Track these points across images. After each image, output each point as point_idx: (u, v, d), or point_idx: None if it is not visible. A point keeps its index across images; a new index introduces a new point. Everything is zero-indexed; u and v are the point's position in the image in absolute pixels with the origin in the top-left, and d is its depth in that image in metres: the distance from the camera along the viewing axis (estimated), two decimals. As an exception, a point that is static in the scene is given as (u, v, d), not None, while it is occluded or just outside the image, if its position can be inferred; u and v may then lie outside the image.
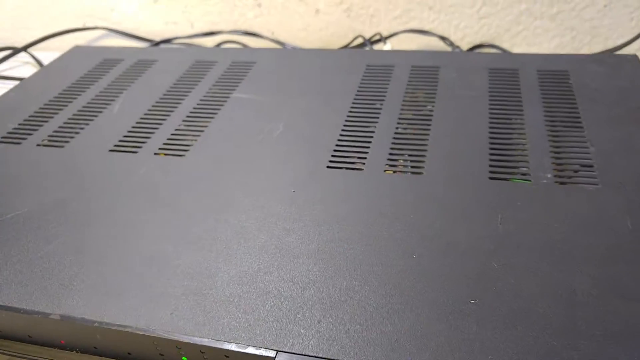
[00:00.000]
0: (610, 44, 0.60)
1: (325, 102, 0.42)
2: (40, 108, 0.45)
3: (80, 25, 0.73)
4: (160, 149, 0.38)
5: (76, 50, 0.56)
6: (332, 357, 0.22)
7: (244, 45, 0.67)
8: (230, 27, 0.69)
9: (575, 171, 0.34)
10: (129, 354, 0.26)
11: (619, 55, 0.47)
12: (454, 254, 0.27)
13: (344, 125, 0.39)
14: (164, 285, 0.27)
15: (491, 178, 0.33)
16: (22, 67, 0.69)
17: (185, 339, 0.24)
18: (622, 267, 0.26)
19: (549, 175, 0.33)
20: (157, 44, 0.67)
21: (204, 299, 0.26)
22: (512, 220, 0.29)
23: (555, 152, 0.35)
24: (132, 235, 0.30)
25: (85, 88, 0.48)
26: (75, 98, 0.46)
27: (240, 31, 0.66)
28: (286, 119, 0.40)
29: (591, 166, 0.33)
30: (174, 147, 0.38)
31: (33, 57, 0.67)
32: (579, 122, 0.38)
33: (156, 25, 0.71)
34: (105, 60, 0.53)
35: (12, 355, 0.28)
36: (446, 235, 0.28)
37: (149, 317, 0.25)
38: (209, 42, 0.68)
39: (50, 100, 0.46)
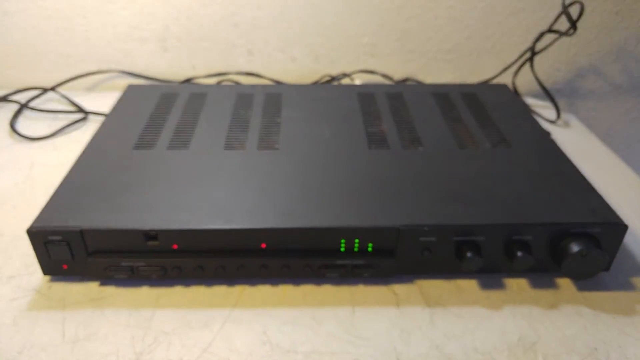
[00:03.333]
0: (482, 78, 0.93)
1: (345, 115, 0.66)
2: (145, 127, 0.61)
3: (94, 69, 0.86)
4: (258, 147, 0.58)
5: (133, 88, 0.71)
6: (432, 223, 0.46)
7: (237, 83, 0.88)
8: (224, 70, 0.89)
9: (497, 143, 0.62)
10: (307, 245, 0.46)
11: (498, 84, 0.78)
12: (454, 183, 0.52)
13: (365, 128, 0.63)
14: (329, 203, 0.47)
15: (459, 148, 0.59)
16: (51, 102, 0.81)
17: (346, 226, 0.45)
18: (526, 177, 0.53)
19: (487, 145, 0.60)
20: (183, 82, 0.85)
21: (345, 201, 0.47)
22: (476, 163, 0.55)
23: (486, 134, 0.63)
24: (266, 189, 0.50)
25: (167, 112, 0.65)
26: (165, 119, 0.63)
27: (242, 72, 0.87)
28: (327, 127, 0.63)
29: (506, 139, 0.61)
30: (268, 145, 0.58)
31: (61, 94, 0.80)
32: (492, 120, 0.66)
33: (163, 68, 0.88)
34: (164, 94, 0.70)
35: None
36: (449, 172, 0.54)
37: (315, 219, 0.46)
38: (214, 80, 0.88)
39: (149, 122, 0.62)
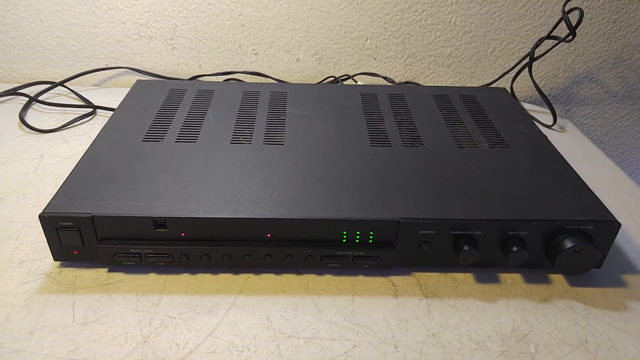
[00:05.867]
0: (481, 83, 0.95)
1: (348, 114, 0.68)
2: (154, 121, 0.63)
3: (102, 65, 0.88)
4: (264, 142, 0.59)
5: (142, 83, 0.73)
6: (423, 217, 0.47)
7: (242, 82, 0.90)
8: (230, 69, 0.91)
9: (495, 144, 0.64)
10: (310, 236, 0.48)
11: (497, 87, 0.80)
12: (453, 180, 0.54)
13: (367, 126, 0.65)
14: (332, 196, 0.49)
15: (459, 147, 0.61)
16: (59, 97, 0.82)
17: (348, 217, 0.47)
18: (523, 176, 0.55)
19: (485, 145, 0.62)
20: (191, 79, 0.87)
21: (346, 195, 0.49)
22: (475, 162, 0.57)
23: (485, 135, 0.65)
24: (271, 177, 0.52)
25: (175, 108, 0.67)
26: (174, 114, 0.65)
27: (248, 71, 0.89)
28: (330, 123, 0.65)
29: (504, 140, 0.63)
30: (274, 140, 0.60)
31: (70, 89, 0.81)
32: (491, 122, 0.68)
33: (170, 65, 0.90)
34: (172, 90, 0.71)
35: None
36: (449, 170, 0.55)
37: (318, 210, 0.47)
38: (219, 79, 0.89)
39: (157, 116, 0.64)
